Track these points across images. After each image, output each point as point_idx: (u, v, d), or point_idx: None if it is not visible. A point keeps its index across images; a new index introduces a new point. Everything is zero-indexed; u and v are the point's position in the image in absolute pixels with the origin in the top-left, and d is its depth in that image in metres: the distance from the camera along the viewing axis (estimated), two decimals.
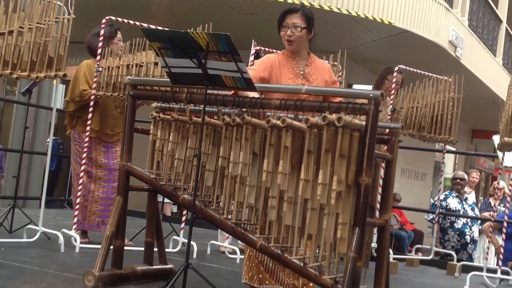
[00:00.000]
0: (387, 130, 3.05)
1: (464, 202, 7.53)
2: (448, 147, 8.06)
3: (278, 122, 2.76)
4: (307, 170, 2.68)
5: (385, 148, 3.17)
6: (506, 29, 13.36)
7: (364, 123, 2.70)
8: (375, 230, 3.75)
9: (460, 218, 7.31)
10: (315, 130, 2.71)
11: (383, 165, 3.21)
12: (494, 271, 5.09)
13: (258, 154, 2.90)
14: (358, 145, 2.68)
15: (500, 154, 5.73)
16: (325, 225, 2.61)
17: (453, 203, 7.43)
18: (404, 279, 5.08)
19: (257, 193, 2.86)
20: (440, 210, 7.06)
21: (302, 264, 2.68)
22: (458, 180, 7.69)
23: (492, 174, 18.75)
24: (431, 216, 7.18)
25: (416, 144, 6.49)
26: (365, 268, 2.81)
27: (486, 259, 5.55)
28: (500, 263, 5.09)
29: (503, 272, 5.14)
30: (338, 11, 7.85)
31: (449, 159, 17.85)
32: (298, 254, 2.71)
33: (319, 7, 7.81)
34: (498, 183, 7.56)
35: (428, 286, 5.06)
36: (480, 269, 5.32)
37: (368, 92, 2.79)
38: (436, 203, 7.17)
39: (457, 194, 7.54)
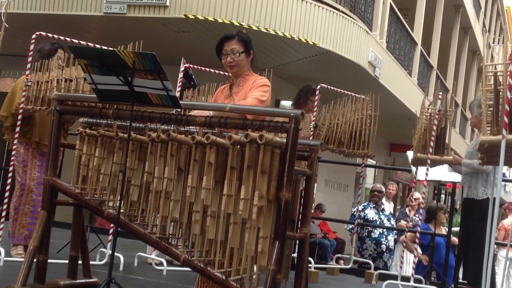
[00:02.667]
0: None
1: (381, 213, 7.88)
2: (370, 161, 8.43)
3: (202, 138, 2.86)
4: (230, 186, 2.79)
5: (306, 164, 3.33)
6: (421, 51, 14.06)
7: (285, 140, 2.84)
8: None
9: (377, 228, 7.65)
10: (238, 147, 2.83)
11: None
12: (408, 279, 5.38)
13: (183, 169, 2.99)
14: (279, 161, 2.82)
15: (413, 168, 6.09)
16: (246, 239, 2.73)
17: (370, 213, 7.77)
18: (324, 287, 5.29)
19: (182, 208, 2.95)
20: (359, 220, 7.37)
21: (224, 277, 2.78)
22: (375, 192, 8.05)
23: (409, 185, 19.55)
24: (350, 226, 7.47)
25: (338, 157, 6.74)
26: (285, 280, 2.95)
27: (401, 267, 5.85)
28: (412, 272, 5.39)
29: (416, 280, 5.44)
30: (265, 31, 8.08)
31: (370, 171, 18.48)
32: (221, 267, 2.81)
33: (247, 27, 8.02)
34: (412, 195, 7.97)
35: None
36: (395, 277, 5.61)
37: (289, 111, 2.94)
38: (355, 213, 7.47)
39: (374, 205, 7.88)
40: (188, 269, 3.04)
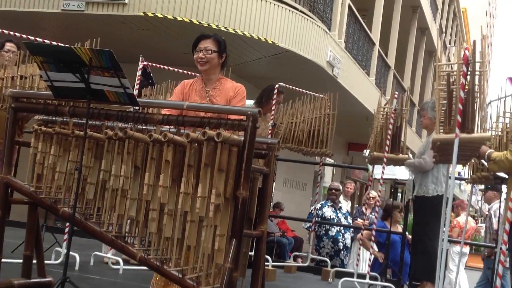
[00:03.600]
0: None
1: (338, 211, 7.98)
2: (328, 160, 8.51)
3: (159, 136, 2.85)
4: (187, 184, 2.79)
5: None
6: (379, 51, 14.28)
7: (242, 138, 2.86)
8: None
9: (334, 226, 7.74)
10: (196, 145, 2.83)
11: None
12: (363, 276, 5.47)
13: (140, 167, 2.97)
14: (236, 159, 2.83)
15: (370, 167, 6.19)
16: (203, 237, 2.74)
17: (328, 212, 7.86)
18: (282, 285, 5.32)
19: (138, 206, 2.93)
20: (317, 218, 7.46)
21: (180, 276, 2.78)
22: (333, 191, 8.15)
23: (366, 184, 19.85)
24: (308, 224, 7.55)
25: (297, 156, 6.80)
26: (242, 277, 2.96)
27: (357, 265, 5.94)
28: (368, 269, 5.48)
29: (371, 278, 5.54)
30: (225, 30, 8.08)
31: (328, 170, 18.67)
32: (178, 266, 2.81)
33: (207, 26, 8.01)
34: (369, 193, 8.09)
35: None
36: (351, 274, 5.70)
37: (247, 109, 2.96)
38: (313, 212, 7.55)
39: (332, 203, 7.98)
40: (145, 268, 3.01)
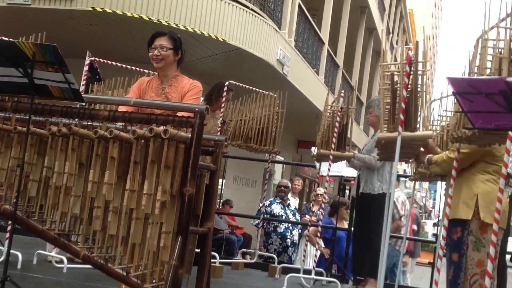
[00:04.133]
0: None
1: (286, 208, 8.06)
2: (278, 157, 8.55)
3: (105, 133, 2.82)
4: (133, 181, 2.77)
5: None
6: (328, 51, 14.48)
7: (190, 135, 2.86)
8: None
9: (283, 223, 7.82)
10: (142, 141, 2.82)
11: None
12: (309, 272, 5.54)
13: (84, 164, 2.93)
14: (183, 156, 2.83)
15: (317, 164, 6.28)
16: (149, 234, 2.72)
17: (276, 209, 7.93)
18: (229, 282, 5.34)
19: (82, 203, 2.89)
20: (265, 215, 7.51)
21: (125, 273, 2.76)
22: (282, 188, 8.23)
23: (315, 181, 20.10)
24: (256, 221, 7.60)
25: (247, 153, 6.81)
26: (187, 275, 2.96)
27: (303, 261, 6.01)
28: (314, 264, 5.56)
29: (317, 273, 5.62)
30: (175, 26, 8.03)
31: (278, 167, 18.82)
32: (122, 264, 2.78)
33: (157, 22, 7.94)
34: (316, 190, 8.20)
35: None
36: (297, 270, 5.76)
37: (194, 106, 2.96)
38: (261, 209, 7.61)
39: (281, 200, 8.05)
40: (90, 266, 2.98)
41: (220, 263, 5.77)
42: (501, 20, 2.96)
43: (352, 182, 7.60)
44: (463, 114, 2.95)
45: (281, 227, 7.78)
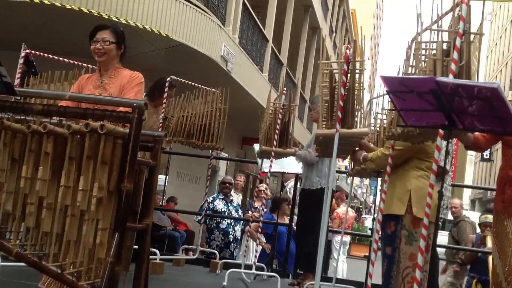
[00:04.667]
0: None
1: (229, 204, 8.08)
2: (223, 154, 8.56)
3: (39, 127, 2.75)
4: (68, 177, 2.72)
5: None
6: (272, 48, 14.58)
7: (128, 130, 2.82)
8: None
9: (225, 219, 7.83)
10: (78, 136, 2.77)
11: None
12: (250, 267, 5.59)
13: (17, 159, 2.85)
14: (121, 152, 2.79)
15: (259, 160, 6.32)
16: (84, 231, 2.68)
17: (219, 205, 7.93)
18: (169, 278, 5.32)
19: (15, 200, 2.82)
20: (208, 211, 7.51)
21: (59, 271, 2.70)
22: (226, 184, 8.25)
23: (258, 177, 20.23)
24: (199, 217, 7.59)
25: (192, 150, 6.76)
26: (125, 271, 2.93)
27: (245, 256, 6.05)
28: (255, 260, 5.60)
29: (257, 268, 5.67)
30: (117, 20, 7.89)
31: (222, 164, 18.82)
32: (57, 261, 2.73)
33: (97, 15, 7.78)
34: (258, 186, 8.26)
35: (191, 284, 5.37)
36: (239, 266, 5.80)
37: (132, 101, 2.92)
38: (204, 205, 7.59)
39: (224, 196, 8.06)
40: (24, 264, 2.90)
41: (160, 259, 5.74)
42: (433, 23, 3.06)
43: (296, 178, 7.70)
44: (397, 112, 3.03)
45: (224, 223, 7.80)
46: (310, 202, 5.42)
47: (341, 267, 9.80)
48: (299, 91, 18.95)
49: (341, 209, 10.30)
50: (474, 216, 9.94)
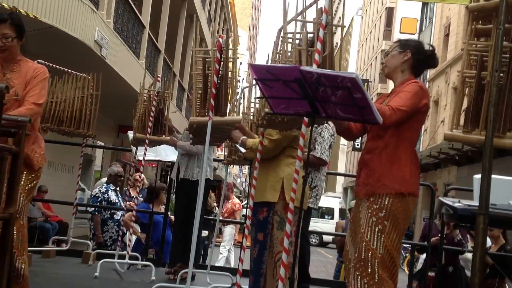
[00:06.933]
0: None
1: (120, 195, 7.85)
2: (99, 142, 8.25)
3: None
4: None
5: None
6: (149, 35, 14.34)
7: None
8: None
9: (119, 210, 7.55)
10: None
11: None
12: (124, 257, 5.50)
13: None
14: None
15: (133, 148, 6.23)
16: None
17: (112, 196, 7.55)
18: (37, 271, 5.10)
19: None
20: (104, 202, 7.25)
21: None
22: (121, 178, 7.97)
23: (131, 165, 19.89)
24: (91, 209, 7.38)
25: (63, 137, 6.48)
26: None
27: (119, 246, 5.96)
28: (129, 249, 5.52)
29: (131, 258, 5.60)
30: None
31: (99, 152, 18.29)
32: None
33: None
34: (131, 175, 8.12)
35: (61, 275, 5.19)
36: (113, 256, 5.70)
37: None
38: (98, 195, 7.33)
39: (115, 187, 7.73)
40: None
41: (29, 251, 5.49)
42: (298, 14, 3.18)
43: (171, 166, 7.66)
44: (266, 99, 3.12)
45: (118, 214, 7.50)
46: (190, 192, 5.42)
47: (225, 255, 9.93)
48: (178, 79, 18.84)
49: (236, 200, 10.49)
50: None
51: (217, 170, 21.70)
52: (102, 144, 14.99)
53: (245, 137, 4.13)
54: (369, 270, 3.01)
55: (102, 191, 7.47)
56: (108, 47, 10.47)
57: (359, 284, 3.02)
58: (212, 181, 5.70)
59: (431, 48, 3.27)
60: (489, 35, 2.86)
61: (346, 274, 3.21)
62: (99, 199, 7.35)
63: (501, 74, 2.71)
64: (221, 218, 9.11)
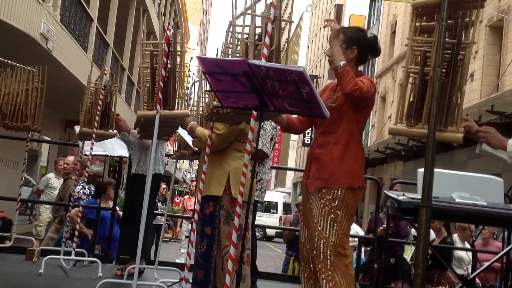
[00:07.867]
0: None
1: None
2: (46, 137, 7.97)
3: None
4: None
5: None
6: (97, 28, 14.06)
7: None
8: None
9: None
10: None
11: None
12: (70, 253, 5.39)
13: None
14: None
15: (80, 143, 6.11)
16: None
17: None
18: None
19: None
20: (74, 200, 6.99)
21: None
22: (100, 178, 7.70)
23: (80, 160, 19.48)
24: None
25: (7, 132, 6.27)
26: None
27: (64, 242, 5.83)
28: (74, 245, 5.41)
29: (77, 254, 5.49)
30: None
31: (45, 148, 17.83)
32: None
33: None
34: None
35: (4, 273, 5.04)
36: (58, 252, 5.57)
37: None
38: (81, 195, 7.06)
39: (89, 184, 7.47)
40: None
41: None
42: (248, 8, 3.18)
43: (120, 161, 7.53)
44: (214, 93, 3.10)
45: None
46: (142, 187, 5.34)
47: (186, 252, 9.86)
48: (127, 73, 18.56)
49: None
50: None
51: (166, 165, 21.53)
52: (48, 139, 14.64)
53: (195, 122, 4.12)
54: (321, 258, 3.10)
55: (85, 192, 7.18)
56: (55, 40, 10.22)
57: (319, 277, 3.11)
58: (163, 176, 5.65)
59: (373, 37, 3.40)
60: (433, 31, 2.93)
61: (303, 267, 3.29)
62: (84, 201, 7.10)
63: (443, 70, 2.79)
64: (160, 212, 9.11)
